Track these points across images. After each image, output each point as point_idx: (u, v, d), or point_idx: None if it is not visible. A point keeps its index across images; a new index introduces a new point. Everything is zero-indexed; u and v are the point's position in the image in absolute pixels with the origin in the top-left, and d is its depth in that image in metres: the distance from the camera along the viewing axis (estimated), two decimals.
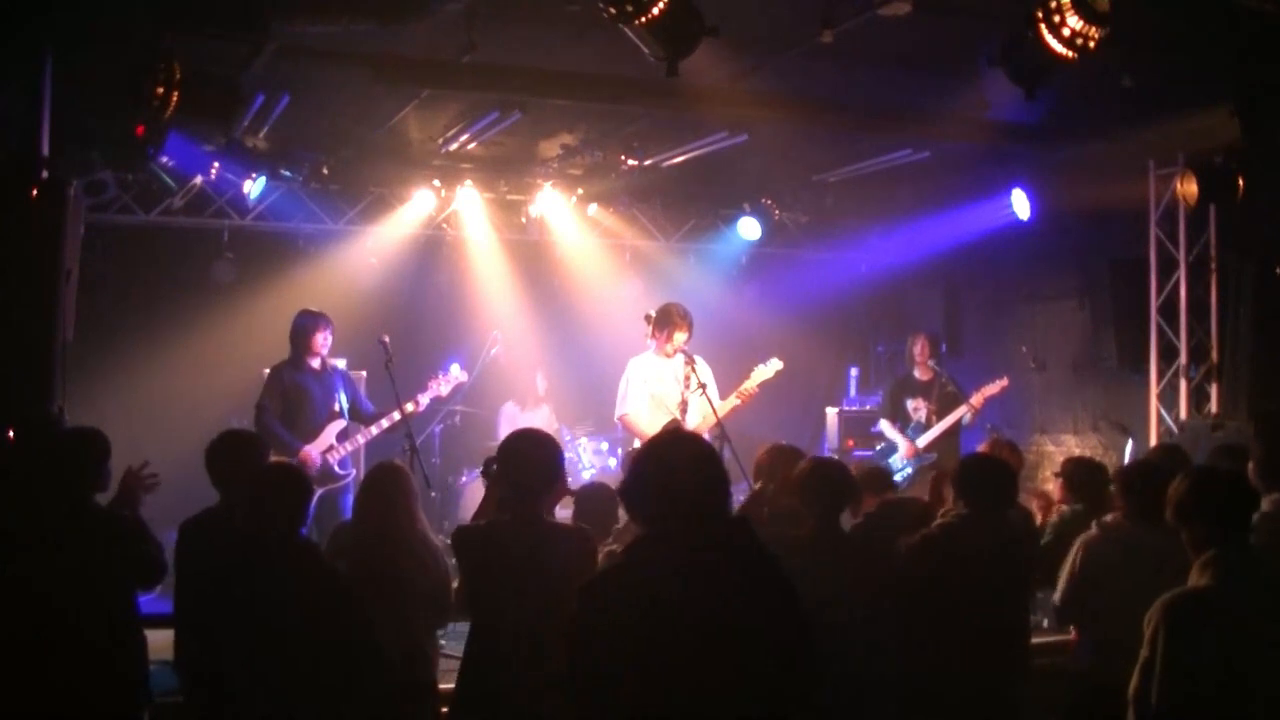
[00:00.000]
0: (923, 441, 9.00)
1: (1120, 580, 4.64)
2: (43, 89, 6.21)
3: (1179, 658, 3.56)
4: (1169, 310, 8.92)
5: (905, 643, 4.66)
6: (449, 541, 4.66)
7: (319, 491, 7.57)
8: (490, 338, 10.08)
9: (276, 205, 10.17)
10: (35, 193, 6.08)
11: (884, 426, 9.37)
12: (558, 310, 11.33)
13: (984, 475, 4.94)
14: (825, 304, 11.85)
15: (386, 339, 7.35)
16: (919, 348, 9.41)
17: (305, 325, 7.77)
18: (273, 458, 5.64)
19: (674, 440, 3.32)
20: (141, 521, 4.77)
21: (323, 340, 7.77)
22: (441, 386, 8.17)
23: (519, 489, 4.17)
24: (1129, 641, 3.80)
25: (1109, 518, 4.92)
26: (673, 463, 3.17)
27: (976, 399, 8.90)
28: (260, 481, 4.27)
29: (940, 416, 9.03)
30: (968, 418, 8.96)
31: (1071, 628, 5.28)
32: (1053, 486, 6.84)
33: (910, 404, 9.25)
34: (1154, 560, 4.39)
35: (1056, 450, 10.13)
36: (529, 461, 4.20)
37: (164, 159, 8.44)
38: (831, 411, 10.93)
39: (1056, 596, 4.97)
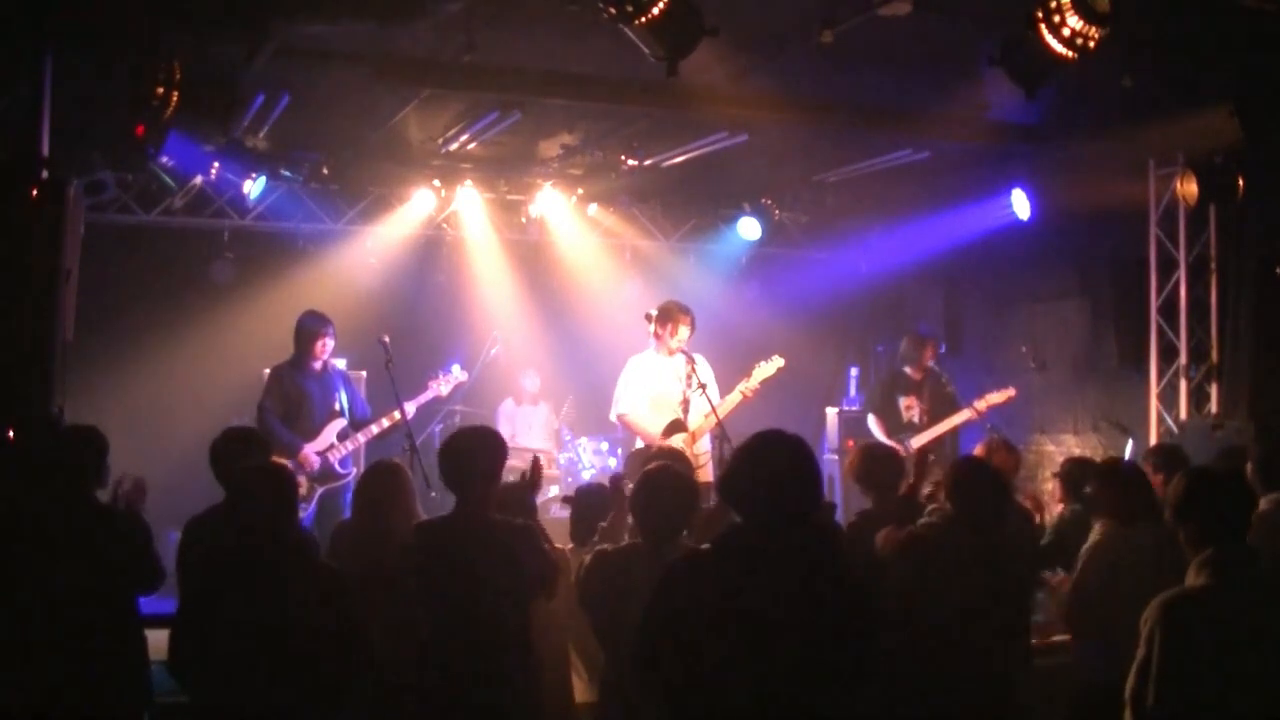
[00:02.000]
0: (915, 443, 8.60)
1: (1122, 582, 4.64)
2: (43, 89, 6.21)
3: (1175, 657, 3.56)
4: (1169, 310, 8.90)
5: (905, 643, 4.66)
6: None
7: (319, 491, 7.59)
8: (490, 338, 10.08)
9: (276, 205, 10.17)
10: (35, 193, 6.08)
11: (871, 424, 9.10)
12: (558, 310, 11.32)
13: (972, 488, 4.81)
14: (825, 304, 11.84)
15: (386, 339, 7.36)
16: (927, 350, 9.07)
17: (309, 328, 7.77)
18: (275, 457, 5.65)
19: (774, 439, 3.39)
20: (146, 528, 4.77)
21: (323, 346, 7.77)
22: (441, 386, 8.19)
23: (457, 490, 4.33)
24: (1129, 643, 3.79)
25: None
26: (772, 461, 3.31)
27: (981, 404, 8.50)
28: (257, 480, 4.27)
29: (934, 416, 8.75)
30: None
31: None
32: (1052, 487, 6.83)
33: (902, 401, 8.97)
34: (1154, 560, 4.39)
35: (1056, 450, 10.11)
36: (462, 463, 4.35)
37: (164, 159, 8.43)
38: (831, 411, 10.92)
39: (1065, 605, 4.96)
